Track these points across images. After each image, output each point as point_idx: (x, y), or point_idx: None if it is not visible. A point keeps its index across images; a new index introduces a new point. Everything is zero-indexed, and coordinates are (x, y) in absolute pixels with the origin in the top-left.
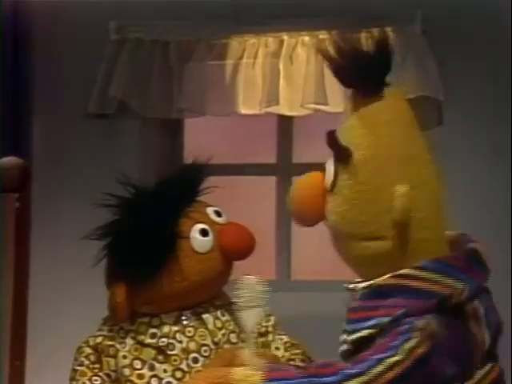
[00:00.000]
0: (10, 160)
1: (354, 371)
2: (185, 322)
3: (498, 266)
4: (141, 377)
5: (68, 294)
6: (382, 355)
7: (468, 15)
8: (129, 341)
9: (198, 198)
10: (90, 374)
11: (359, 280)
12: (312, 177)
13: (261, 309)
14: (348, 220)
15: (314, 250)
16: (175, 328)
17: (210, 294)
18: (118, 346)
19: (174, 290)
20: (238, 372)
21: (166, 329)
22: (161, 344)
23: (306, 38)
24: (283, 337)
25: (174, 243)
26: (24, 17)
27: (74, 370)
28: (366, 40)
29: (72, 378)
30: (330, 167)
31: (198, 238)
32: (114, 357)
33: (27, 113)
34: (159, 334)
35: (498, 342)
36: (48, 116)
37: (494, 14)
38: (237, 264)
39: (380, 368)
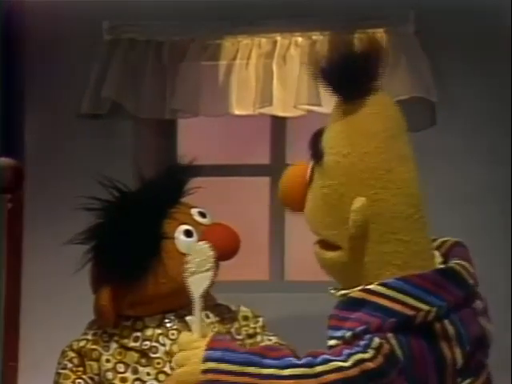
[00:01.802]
0: (3, 161)
1: (298, 362)
2: (168, 325)
3: (498, 266)
4: (124, 380)
5: (61, 295)
6: (332, 357)
7: (461, 15)
8: (112, 344)
9: (183, 199)
10: (73, 376)
11: (338, 288)
12: (301, 166)
13: (209, 273)
14: (316, 218)
15: (307, 251)
16: (158, 331)
17: None
18: (101, 349)
19: (160, 292)
20: (183, 336)
21: (149, 332)
22: (144, 347)
23: (300, 39)
24: (272, 337)
25: (158, 244)
26: (16, 17)
27: (58, 374)
28: (357, 41)
29: (56, 382)
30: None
31: (182, 239)
32: (97, 360)
33: (20, 113)
34: (142, 337)
35: (484, 355)
36: (40, 116)
37: (486, 14)
38: (232, 265)
39: (324, 367)
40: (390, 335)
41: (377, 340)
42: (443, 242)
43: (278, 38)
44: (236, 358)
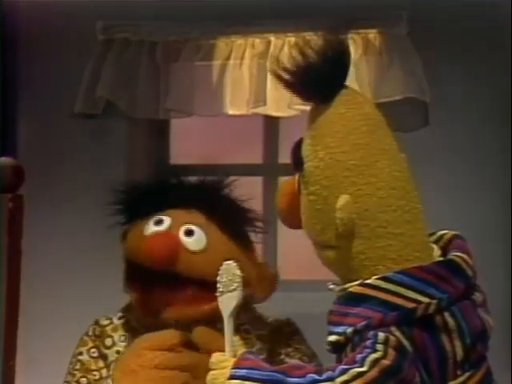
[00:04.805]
0: (3, 160)
1: (320, 378)
2: None
3: (498, 265)
4: None
5: (61, 295)
6: (348, 366)
7: (453, 16)
8: (128, 337)
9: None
10: (90, 344)
11: (337, 283)
12: (288, 182)
13: (236, 292)
14: (309, 228)
15: (300, 250)
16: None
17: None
18: (115, 338)
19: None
20: (214, 355)
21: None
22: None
23: (293, 39)
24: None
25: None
26: (11, 16)
27: (80, 339)
28: (319, 42)
29: (76, 346)
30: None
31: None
32: (108, 348)
33: (13, 113)
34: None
35: (484, 347)
36: (34, 116)
37: (480, 15)
38: None
39: (345, 377)
40: (393, 328)
41: (381, 334)
42: (441, 236)
43: (272, 39)
44: (260, 375)
